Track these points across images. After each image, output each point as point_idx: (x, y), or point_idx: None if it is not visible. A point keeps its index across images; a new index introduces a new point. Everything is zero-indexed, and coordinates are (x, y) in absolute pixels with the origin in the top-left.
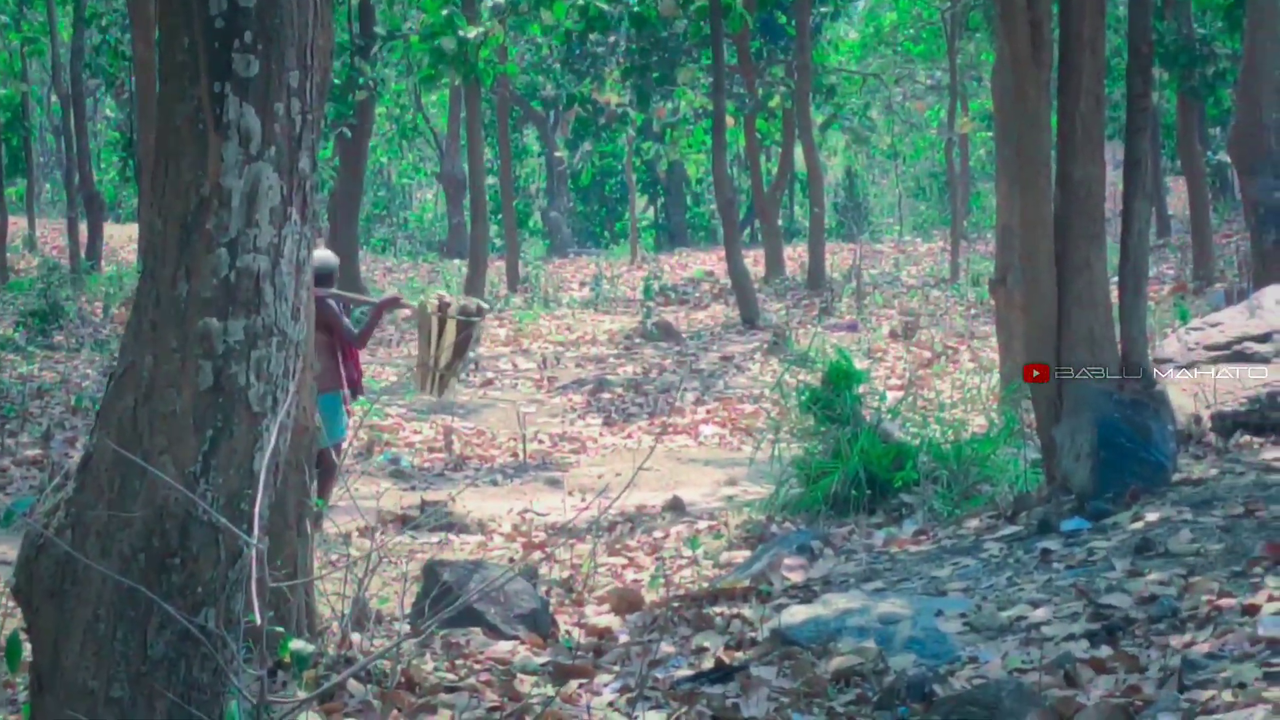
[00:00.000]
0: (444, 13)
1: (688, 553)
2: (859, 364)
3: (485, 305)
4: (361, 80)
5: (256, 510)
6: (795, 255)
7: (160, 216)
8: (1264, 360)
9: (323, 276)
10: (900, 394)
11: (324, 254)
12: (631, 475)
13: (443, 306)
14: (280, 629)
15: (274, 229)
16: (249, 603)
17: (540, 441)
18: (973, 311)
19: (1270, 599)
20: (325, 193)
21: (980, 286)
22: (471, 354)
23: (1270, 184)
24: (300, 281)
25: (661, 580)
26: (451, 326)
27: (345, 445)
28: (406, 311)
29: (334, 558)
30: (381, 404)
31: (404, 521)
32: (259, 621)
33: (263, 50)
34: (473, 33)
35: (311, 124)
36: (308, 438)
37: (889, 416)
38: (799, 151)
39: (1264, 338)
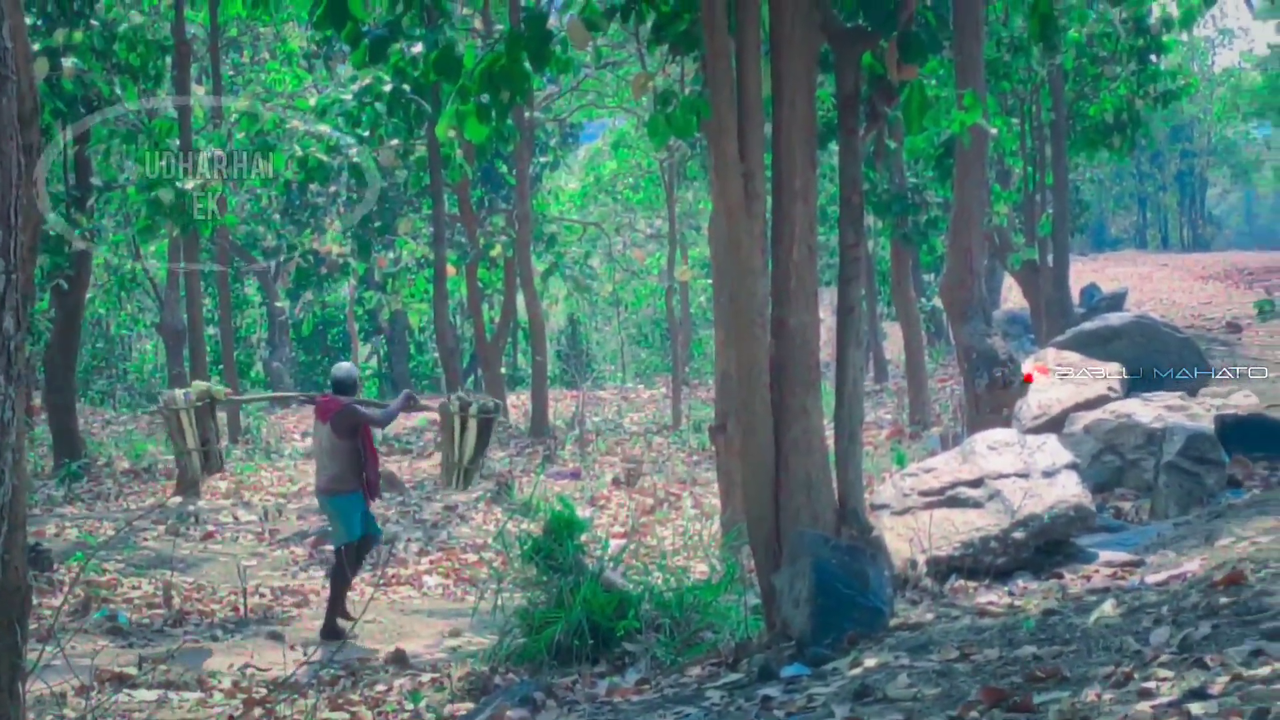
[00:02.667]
0: (161, 164)
1: (410, 706)
2: (582, 512)
3: (499, 403)
4: (78, 231)
5: None
6: (519, 403)
7: None
8: (977, 505)
9: (348, 386)
10: (623, 541)
11: (348, 366)
12: (351, 627)
13: (464, 407)
14: None
15: None
16: None
17: (262, 595)
18: (695, 458)
19: None
20: (41, 345)
21: (702, 433)
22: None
23: (981, 329)
24: (4, 443)
25: None
26: (473, 425)
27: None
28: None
29: (48, 719)
30: (99, 559)
31: (121, 680)
32: None
33: None
34: (190, 183)
35: (16, 283)
36: (19, 598)
37: (612, 565)
38: (521, 299)
39: (976, 482)
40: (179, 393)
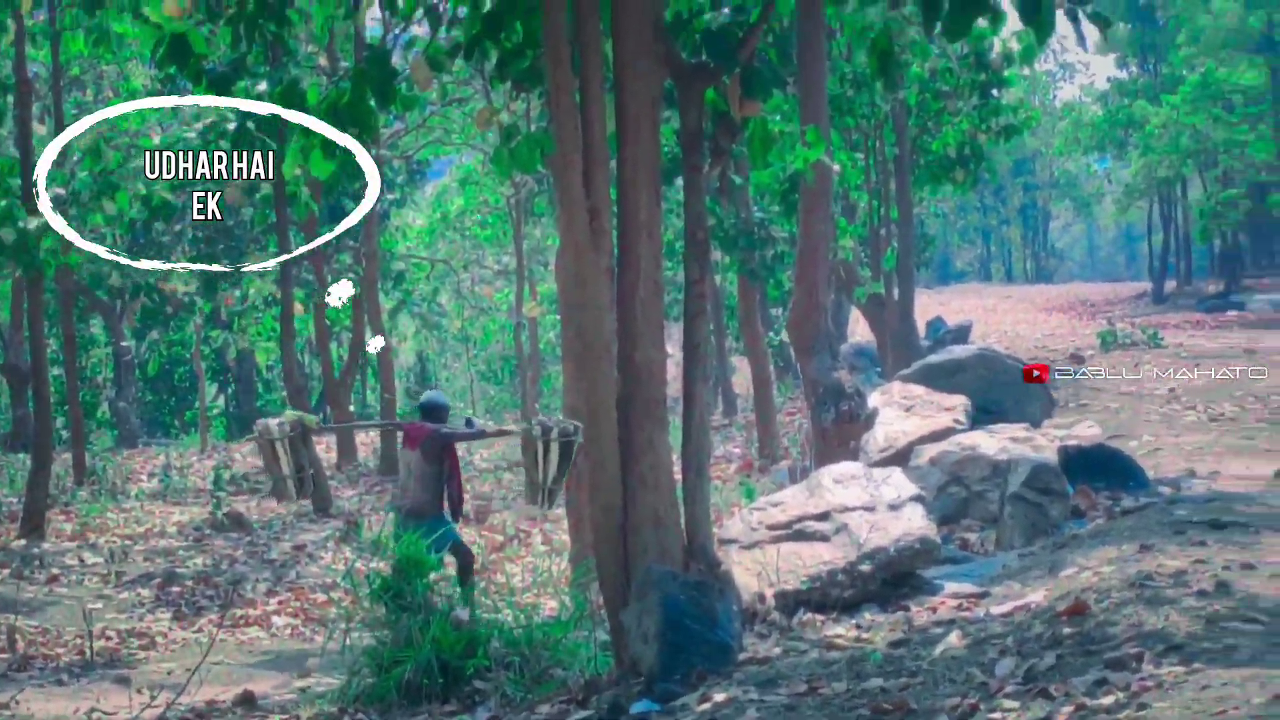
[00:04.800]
0: (3, 203)
1: None
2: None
3: (579, 426)
4: None
5: None
6: (368, 440)
7: None
8: (824, 539)
9: (440, 412)
10: (472, 579)
11: (438, 393)
12: (194, 669)
13: (545, 431)
14: None
15: None
16: None
17: (108, 638)
18: None
19: None
20: None
21: None
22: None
23: (828, 364)
24: None
25: None
26: (555, 448)
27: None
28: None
29: None
30: None
31: None
32: None
33: None
34: (33, 223)
35: None
36: None
37: (461, 603)
38: (369, 337)
39: (823, 516)
40: (273, 422)
